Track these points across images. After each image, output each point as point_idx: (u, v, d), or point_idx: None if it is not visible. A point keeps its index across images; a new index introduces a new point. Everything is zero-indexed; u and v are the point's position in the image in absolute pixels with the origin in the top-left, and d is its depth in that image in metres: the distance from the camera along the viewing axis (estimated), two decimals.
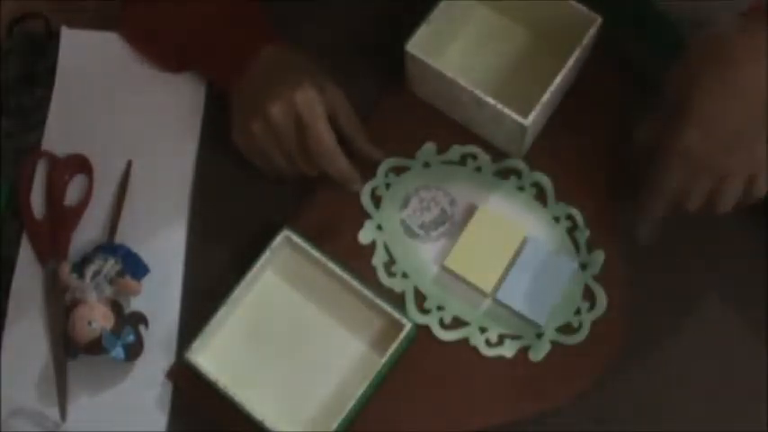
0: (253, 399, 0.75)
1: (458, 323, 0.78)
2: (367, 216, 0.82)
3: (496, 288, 0.79)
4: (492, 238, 0.79)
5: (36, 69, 0.90)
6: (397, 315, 0.76)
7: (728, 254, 0.80)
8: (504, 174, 0.82)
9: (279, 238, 0.79)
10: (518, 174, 0.82)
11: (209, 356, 0.77)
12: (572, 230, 0.80)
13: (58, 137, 0.87)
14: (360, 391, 0.74)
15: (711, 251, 0.79)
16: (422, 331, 0.78)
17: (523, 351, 0.77)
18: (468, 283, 0.79)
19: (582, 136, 0.83)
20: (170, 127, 0.87)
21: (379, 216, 0.82)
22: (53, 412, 0.79)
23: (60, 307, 0.80)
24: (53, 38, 0.90)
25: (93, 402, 0.79)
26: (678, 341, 0.77)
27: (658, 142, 0.70)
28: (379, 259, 0.80)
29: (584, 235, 0.80)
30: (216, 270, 0.82)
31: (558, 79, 0.78)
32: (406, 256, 0.80)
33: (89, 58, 0.90)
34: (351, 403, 0.74)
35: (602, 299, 0.78)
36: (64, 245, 0.83)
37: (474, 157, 0.83)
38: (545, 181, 0.81)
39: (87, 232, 0.84)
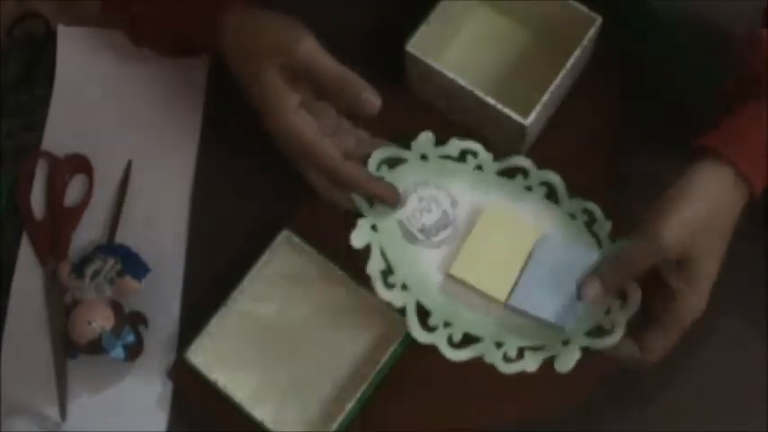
0: (253, 399, 0.75)
1: (469, 339, 0.69)
2: (359, 214, 0.72)
3: (511, 295, 0.70)
4: (502, 240, 0.71)
5: (36, 69, 0.90)
6: (396, 315, 0.76)
7: (729, 254, 0.79)
8: (507, 173, 0.75)
9: (279, 238, 0.79)
10: (524, 173, 0.74)
11: (209, 356, 0.77)
12: (590, 225, 0.72)
13: (58, 137, 0.87)
14: (360, 391, 0.74)
15: None
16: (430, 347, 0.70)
17: (549, 362, 0.68)
18: (479, 292, 0.70)
19: (582, 136, 0.83)
20: (170, 127, 0.87)
21: (373, 214, 0.72)
22: (53, 412, 0.79)
23: (60, 307, 0.80)
24: (53, 38, 0.90)
25: (93, 402, 0.79)
26: (676, 342, 0.77)
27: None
28: (375, 267, 0.70)
29: (605, 227, 0.72)
30: (216, 270, 0.81)
31: (557, 79, 0.78)
32: (406, 263, 0.71)
33: (88, 57, 0.90)
34: (351, 403, 0.74)
35: (634, 294, 0.68)
36: (64, 245, 0.83)
37: (474, 154, 0.75)
38: (554, 179, 0.74)
39: (87, 232, 0.84)
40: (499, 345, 0.68)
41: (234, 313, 0.79)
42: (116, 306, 0.79)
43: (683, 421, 0.76)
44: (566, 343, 0.68)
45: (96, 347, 0.77)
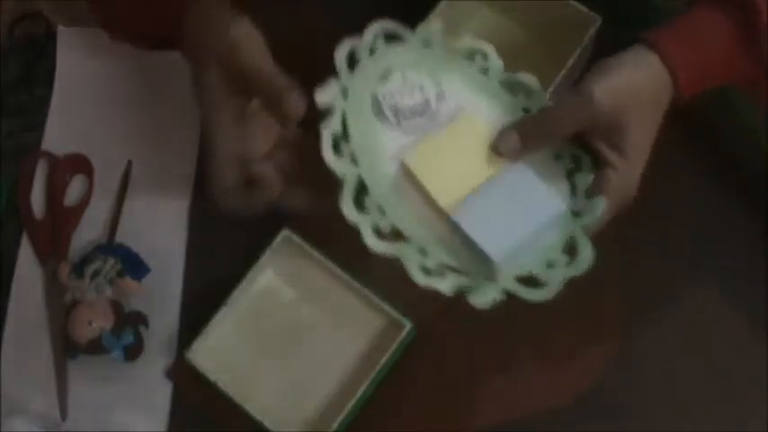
0: (253, 399, 0.75)
1: (396, 237, 0.63)
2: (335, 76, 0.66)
3: (456, 209, 0.64)
4: (473, 149, 0.65)
5: (36, 69, 0.90)
6: (396, 315, 0.76)
7: (728, 253, 0.80)
8: (512, 87, 0.70)
9: (279, 238, 0.79)
10: (528, 92, 0.69)
11: (209, 356, 0.77)
12: (573, 173, 0.67)
13: (58, 137, 0.87)
14: (360, 391, 0.74)
15: (711, 251, 0.79)
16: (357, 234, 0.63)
17: (465, 292, 0.62)
18: (424, 192, 0.65)
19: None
20: (170, 127, 0.87)
21: (349, 80, 0.65)
22: (53, 412, 0.79)
23: (60, 307, 0.80)
24: (53, 38, 0.90)
25: (93, 402, 0.79)
26: (677, 341, 0.77)
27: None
28: (330, 128, 0.63)
29: (586, 180, 0.67)
30: (216, 270, 0.82)
31: (558, 79, 0.78)
32: (364, 137, 0.65)
33: (88, 58, 0.90)
34: (351, 403, 0.74)
35: (586, 254, 0.63)
36: (64, 245, 0.83)
37: (485, 56, 0.70)
38: None
39: (87, 232, 0.84)
40: (423, 253, 0.63)
41: (234, 313, 0.79)
42: (116, 306, 0.79)
43: (682, 421, 0.76)
44: (490, 280, 0.63)
45: (96, 347, 0.77)
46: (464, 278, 0.62)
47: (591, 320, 0.78)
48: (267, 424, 0.74)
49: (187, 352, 0.77)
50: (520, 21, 0.86)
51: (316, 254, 0.78)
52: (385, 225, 0.62)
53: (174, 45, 0.76)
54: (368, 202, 0.63)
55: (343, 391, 0.76)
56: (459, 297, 0.78)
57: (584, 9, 0.80)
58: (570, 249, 0.64)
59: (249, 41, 0.68)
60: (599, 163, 0.67)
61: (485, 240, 0.62)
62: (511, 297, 0.62)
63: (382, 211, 0.63)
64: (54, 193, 0.85)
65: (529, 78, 0.69)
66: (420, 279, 0.62)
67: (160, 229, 0.84)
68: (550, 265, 0.63)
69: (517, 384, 0.77)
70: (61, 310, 0.80)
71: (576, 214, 0.65)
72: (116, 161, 0.86)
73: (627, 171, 0.67)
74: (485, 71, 0.69)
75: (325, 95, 0.64)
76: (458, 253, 0.63)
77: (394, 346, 0.75)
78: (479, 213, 0.63)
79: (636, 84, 0.67)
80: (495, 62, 0.69)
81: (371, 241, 0.62)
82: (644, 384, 0.77)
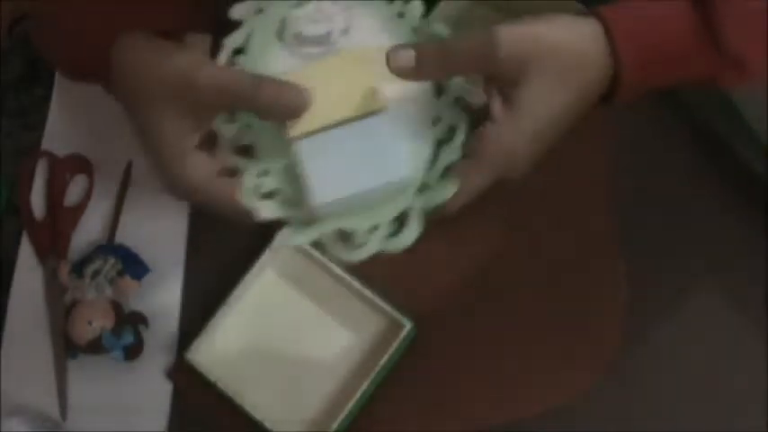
0: (253, 399, 0.75)
1: (244, 153, 0.63)
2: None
3: (303, 140, 0.60)
4: (349, 87, 0.60)
5: (36, 69, 0.90)
6: (396, 315, 0.76)
7: (728, 254, 0.80)
8: (424, 36, 0.65)
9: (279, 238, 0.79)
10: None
11: (209, 356, 0.77)
12: (442, 144, 0.61)
13: (58, 137, 0.87)
14: (360, 391, 0.74)
15: (711, 251, 0.79)
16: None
17: (282, 224, 0.61)
18: None
19: (581, 136, 0.83)
20: None
21: (267, 3, 0.66)
22: (53, 412, 0.79)
23: (60, 307, 0.80)
24: None
25: (93, 402, 0.79)
26: (676, 342, 0.77)
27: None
28: (233, 40, 0.65)
29: (450, 155, 0.61)
30: (216, 270, 0.82)
31: None
32: (261, 55, 0.65)
33: None
34: (351, 403, 0.74)
35: (409, 235, 0.59)
36: (64, 245, 0.83)
37: None
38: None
39: (87, 232, 0.84)
40: (265, 174, 0.62)
41: (234, 313, 0.79)
42: (116, 306, 0.79)
43: (682, 421, 0.76)
44: (310, 223, 0.60)
45: (96, 347, 0.77)
46: (286, 209, 0.61)
47: (591, 320, 0.78)
48: (267, 424, 0.74)
49: (187, 352, 0.77)
50: (520, 20, 0.86)
51: (316, 254, 0.78)
52: (246, 140, 0.63)
53: (99, 78, 0.71)
54: (238, 114, 0.63)
55: (343, 391, 0.76)
56: (460, 297, 0.79)
57: (583, 9, 0.80)
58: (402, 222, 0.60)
59: (203, 62, 0.62)
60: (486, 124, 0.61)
61: (314, 180, 0.58)
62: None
63: (248, 126, 0.63)
64: (54, 193, 0.85)
65: (442, 30, 0.65)
66: (246, 198, 0.61)
67: (160, 229, 0.84)
68: (374, 229, 0.60)
69: (517, 384, 0.77)
70: (61, 310, 0.80)
71: (424, 188, 0.61)
72: (116, 161, 0.86)
73: (509, 129, 0.60)
74: (402, 15, 0.66)
75: (240, 10, 0.66)
76: (291, 183, 0.61)
77: (394, 346, 0.75)
78: (323, 151, 0.59)
79: (552, 38, 0.61)
80: (415, 7, 0.65)
81: (223, 151, 0.63)
82: (644, 384, 0.77)
